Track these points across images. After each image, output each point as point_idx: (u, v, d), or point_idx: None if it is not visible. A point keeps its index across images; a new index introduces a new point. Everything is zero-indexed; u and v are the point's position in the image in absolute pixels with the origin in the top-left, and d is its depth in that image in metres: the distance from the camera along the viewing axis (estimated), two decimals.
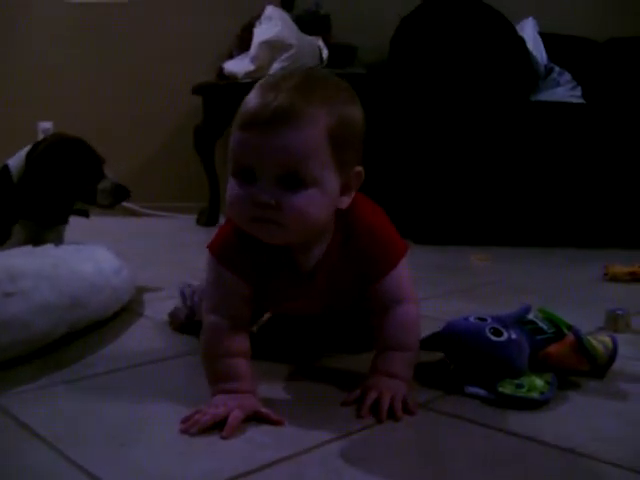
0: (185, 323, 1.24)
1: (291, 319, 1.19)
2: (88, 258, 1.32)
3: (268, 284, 0.92)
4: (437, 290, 1.72)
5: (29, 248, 1.34)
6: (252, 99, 0.80)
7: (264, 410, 0.82)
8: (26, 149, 1.62)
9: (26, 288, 1.02)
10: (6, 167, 1.60)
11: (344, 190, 0.84)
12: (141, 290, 1.56)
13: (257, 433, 0.78)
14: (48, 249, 1.38)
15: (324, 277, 0.91)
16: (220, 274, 0.90)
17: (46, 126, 3.72)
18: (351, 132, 0.83)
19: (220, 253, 0.90)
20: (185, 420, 0.80)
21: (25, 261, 1.14)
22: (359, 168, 0.85)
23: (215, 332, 0.89)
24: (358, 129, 0.84)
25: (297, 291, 0.94)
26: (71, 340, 1.13)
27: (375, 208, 0.95)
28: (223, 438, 0.76)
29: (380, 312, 0.92)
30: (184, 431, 0.78)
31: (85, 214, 1.73)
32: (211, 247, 0.92)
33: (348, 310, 1.07)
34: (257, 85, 0.82)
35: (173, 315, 1.28)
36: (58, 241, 1.59)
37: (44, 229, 1.63)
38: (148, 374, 1.01)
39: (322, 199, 0.80)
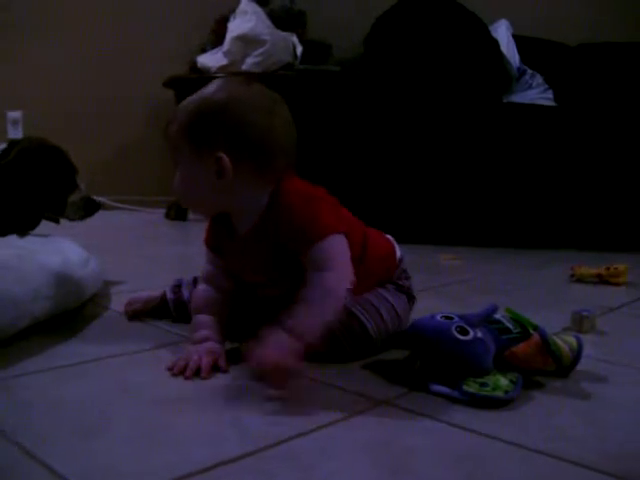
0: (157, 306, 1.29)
1: (253, 304, 1.19)
2: (54, 250, 1.30)
3: (223, 249, 1.10)
4: None
5: None
6: None
7: (218, 357, 0.98)
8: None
9: None
10: None
11: (220, 174, 0.97)
12: (108, 283, 1.54)
13: (222, 428, 0.78)
14: (12, 240, 1.35)
15: (254, 239, 1.02)
16: (206, 252, 1.13)
17: (15, 115, 3.67)
18: (209, 123, 0.96)
19: (205, 237, 1.13)
20: (171, 368, 0.96)
21: None
22: (219, 154, 0.96)
23: (197, 294, 1.11)
24: (219, 118, 0.96)
25: (236, 250, 1.07)
26: (34, 332, 1.11)
27: (307, 192, 1.01)
28: (203, 379, 0.93)
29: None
30: (176, 374, 0.94)
31: (55, 220, 1.66)
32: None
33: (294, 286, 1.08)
34: None
35: (130, 303, 1.29)
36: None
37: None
38: (112, 367, 1.00)
39: (186, 180, 1.01)
